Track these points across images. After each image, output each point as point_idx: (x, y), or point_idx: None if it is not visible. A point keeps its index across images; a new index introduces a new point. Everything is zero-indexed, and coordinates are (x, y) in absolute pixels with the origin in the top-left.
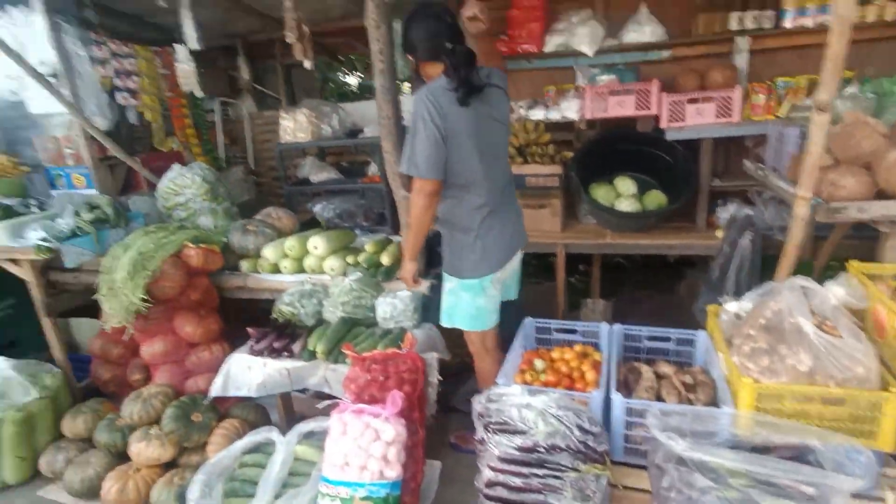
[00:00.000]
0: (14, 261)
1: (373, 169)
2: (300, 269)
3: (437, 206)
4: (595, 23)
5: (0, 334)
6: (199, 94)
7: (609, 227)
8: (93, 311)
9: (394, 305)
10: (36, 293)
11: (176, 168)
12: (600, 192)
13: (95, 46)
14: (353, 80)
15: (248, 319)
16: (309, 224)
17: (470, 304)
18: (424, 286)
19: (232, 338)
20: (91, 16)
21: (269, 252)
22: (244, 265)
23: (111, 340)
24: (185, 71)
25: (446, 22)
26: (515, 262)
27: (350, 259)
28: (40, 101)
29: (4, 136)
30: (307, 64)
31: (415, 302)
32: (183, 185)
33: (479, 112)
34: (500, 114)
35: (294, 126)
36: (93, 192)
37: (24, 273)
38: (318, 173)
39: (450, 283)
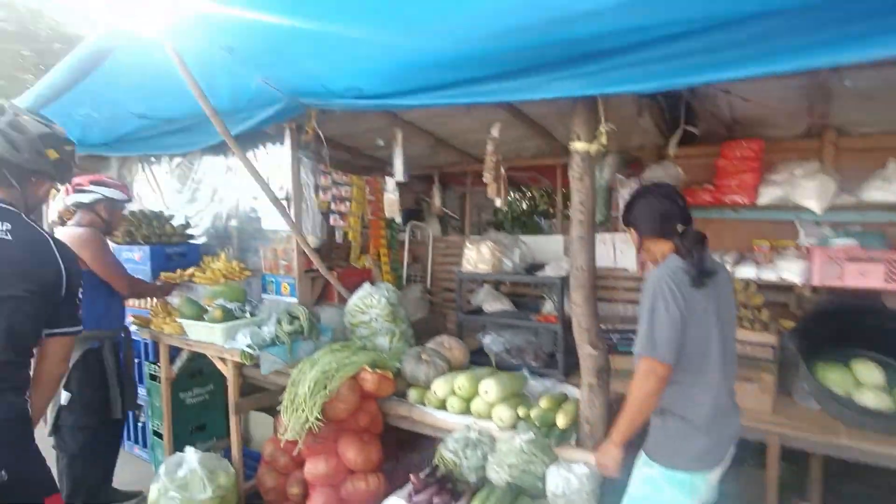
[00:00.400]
0: (222, 359)
1: (548, 307)
2: (467, 409)
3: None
4: (825, 176)
5: (195, 417)
6: (398, 220)
7: (842, 421)
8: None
9: (567, 480)
10: (231, 392)
11: (366, 287)
12: (833, 377)
13: (322, 176)
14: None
15: (403, 445)
16: (478, 353)
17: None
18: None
19: (390, 464)
20: (325, 153)
21: (439, 386)
22: (412, 394)
23: (281, 449)
24: (391, 200)
25: (678, 204)
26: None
27: (521, 411)
28: (271, 219)
29: (239, 244)
30: (498, 202)
31: (593, 482)
32: (369, 304)
33: (711, 295)
34: (729, 297)
35: (476, 257)
36: (294, 300)
37: (227, 371)
38: (493, 303)
39: (650, 470)
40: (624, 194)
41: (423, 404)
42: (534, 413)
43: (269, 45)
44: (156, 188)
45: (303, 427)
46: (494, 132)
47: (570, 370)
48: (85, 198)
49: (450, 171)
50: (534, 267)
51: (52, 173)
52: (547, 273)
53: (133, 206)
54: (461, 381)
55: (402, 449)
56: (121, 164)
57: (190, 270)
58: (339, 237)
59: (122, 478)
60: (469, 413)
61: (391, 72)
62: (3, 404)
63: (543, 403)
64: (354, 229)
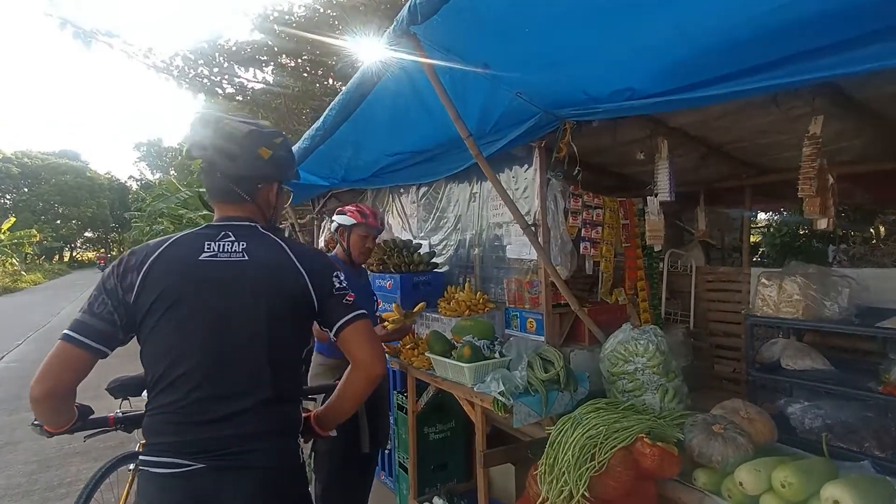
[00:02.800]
0: (470, 402)
1: None
2: None
3: None
4: None
5: (437, 454)
6: (658, 247)
7: None
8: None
9: None
10: (479, 441)
11: (626, 329)
12: None
13: (572, 199)
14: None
15: None
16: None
17: None
18: None
19: None
20: (577, 172)
21: (747, 476)
22: (701, 478)
23: None
24: (654, 223)
25: None
26: None
27: None
28: (516, 248)
29: (482, 273)
30: (823, 223)
31: None
32: (634, 351)
33: None
34: None
35: (777, 296)
36: (541, 338)
37: (474, 416)
38: (798, 359)
39: None
40: None
41: (720, 495)
42: None
43: (530, 54)
44: (404, 218)
45: (564, 502)
46: (815, 128)
47: None
48: (332, 227)
49: (716, 187)
50: (869, 313)
51: (274, 173)
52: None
53: (385, 236)
54: (787, 474)
55: None
56: (374, 196)
57: (416, 309)
58: (588, 268)
59: None
60: None
61: (675, 63)
62: (271, 451)
63: None
64: (607, 258)
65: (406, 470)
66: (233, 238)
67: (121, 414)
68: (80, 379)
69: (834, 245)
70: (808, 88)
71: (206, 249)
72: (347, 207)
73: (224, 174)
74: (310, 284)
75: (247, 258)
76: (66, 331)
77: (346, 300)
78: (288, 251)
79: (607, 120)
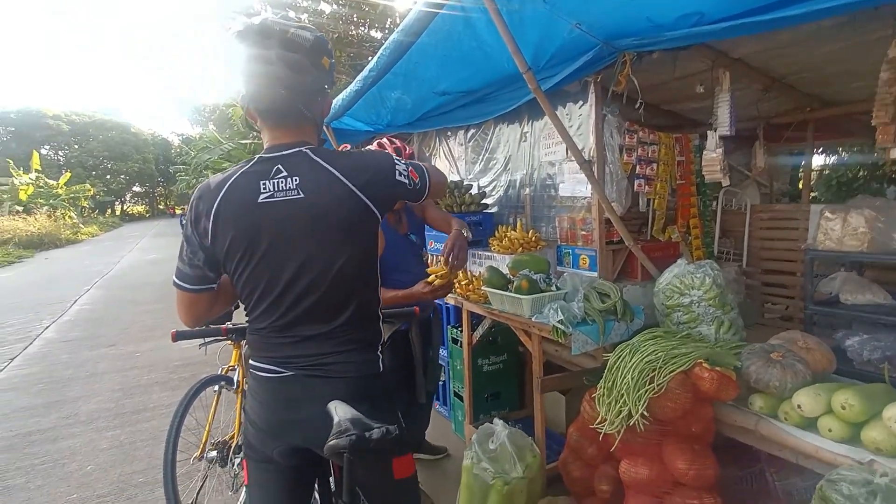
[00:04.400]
0: (527, 332)
1: None
2: (856, 437)
3: None
4: None
5: (490, 384)
6: (725, 182)
7: None
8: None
9: None
10: (536, 368)
11: (682, 264)
12: None
13: (628, 135)
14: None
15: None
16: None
17: None
18: None
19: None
20: (639, 107)
21: (806, 399)
22: (757, 402)
23: (589, 437)
24: (713, 159)
25: None
26: None
27: None
28: (569, 185)
29: (532, 213)
30: (895, 153)
31: None
32: (690, 284)
33: None
34: None
35: (841, 230)
36: (594, 274)
37: (531, 346)
38: (858, 293)
39: None
40: None
41: (778, 419)
42: None
43: None
44: (452, 161)
45: (623, 422)
46: (894, 51)
47: None
48: None
49: (777, 122)
50: None
51: (330, 83)
52: None
53: None
54: (847, 396)
55: (721, 462)
56: (420, 140)
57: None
58: (642, 205)
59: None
60: (859, 443)
61: None
62: (350, 364)
63: None
64: (661, 196)
65: (461, 399)
66: (285, 173)
67: (231, 325)
68: (208, 307)
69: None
70: (891, 8)
71: (262, 190)
72: (383, 142)
73: (291, 90)
74: (369, 202)
75: (302, 195)
76: (173, 278)
77: (415, 184)
78: (339, 176)
79: (667, 52)
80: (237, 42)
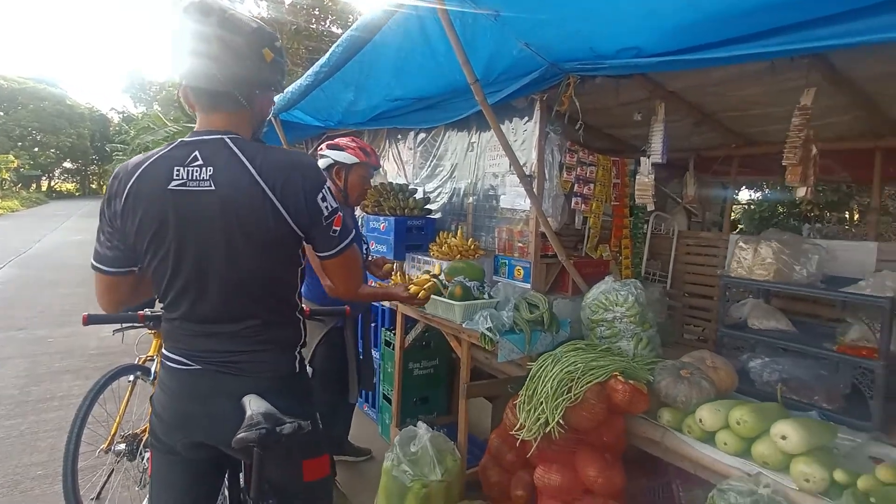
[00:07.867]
0: (457, 338)
1: (853, 335)
2: (746, 451)
3: None
4: None
5: (419, 388)
6: (650, 208)
7: None
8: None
9: None
10: (463, 374)
11: (609, 281)
12: None
13: (568, 154)
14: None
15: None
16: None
17: None
18: None
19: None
20: (579, 127)
21: (707, 415)
22: (665, 416)
23: (508, 443)
24: (644, 184)
25: None
26: None
27: (840, 475)
28: (510, 198)
29: (474, 222)
30: (801, 192)
31: None
32: (615, 301)
33: None
34: None
35: (752, 260)
36: (527, 285)
37: (460, 351)
38: (763, 319)
39: None
40: None
41: (682, 432)
42: (863, 483)
43: (539, 5)
44: (400, 164)
45: (540, 429)
46: (806, 100)
47: (893, 425)
48: (322, 163)
49: (707, 155)
50: (833, 281)
51: (271, 80)
52: (865, 290)
53: (379, 179)
54: (742, 413)
55: (632, 473)
56: (371, 139)
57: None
58: (578, 222)
59: (350, 432)
60: (749, 457)
61: (682, 26)
62: (263, 363)
63: (882, 474)
64: (596, 214)
65: (389, 401)
66: (200, 162)
67: (149, 313)
68: (130, 292)
69: (809, 224)
70: (804, 60)
71: (175, 177)
72: (342, 142)
73: (225, 71)
74: (284, 212)
75: (213, 188)
76: (91, 259)
77: (334, 231)
78: (253, 173)
79: (610, 79)
80: (181, 16)
